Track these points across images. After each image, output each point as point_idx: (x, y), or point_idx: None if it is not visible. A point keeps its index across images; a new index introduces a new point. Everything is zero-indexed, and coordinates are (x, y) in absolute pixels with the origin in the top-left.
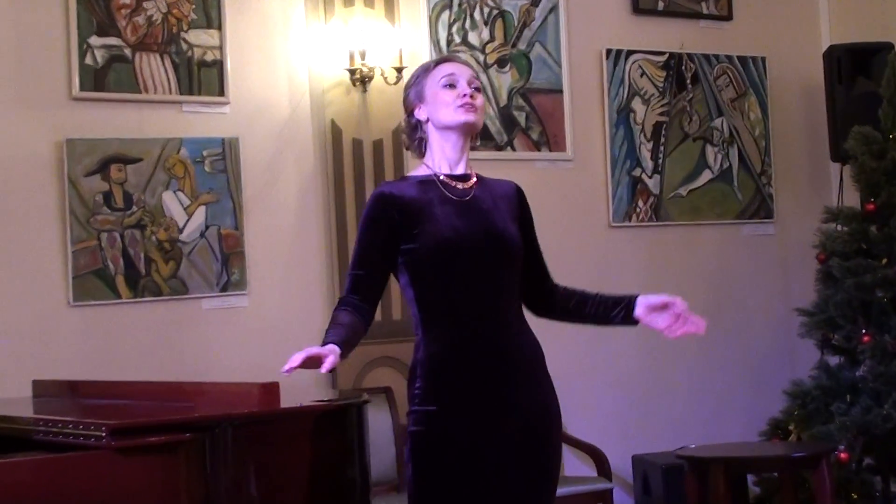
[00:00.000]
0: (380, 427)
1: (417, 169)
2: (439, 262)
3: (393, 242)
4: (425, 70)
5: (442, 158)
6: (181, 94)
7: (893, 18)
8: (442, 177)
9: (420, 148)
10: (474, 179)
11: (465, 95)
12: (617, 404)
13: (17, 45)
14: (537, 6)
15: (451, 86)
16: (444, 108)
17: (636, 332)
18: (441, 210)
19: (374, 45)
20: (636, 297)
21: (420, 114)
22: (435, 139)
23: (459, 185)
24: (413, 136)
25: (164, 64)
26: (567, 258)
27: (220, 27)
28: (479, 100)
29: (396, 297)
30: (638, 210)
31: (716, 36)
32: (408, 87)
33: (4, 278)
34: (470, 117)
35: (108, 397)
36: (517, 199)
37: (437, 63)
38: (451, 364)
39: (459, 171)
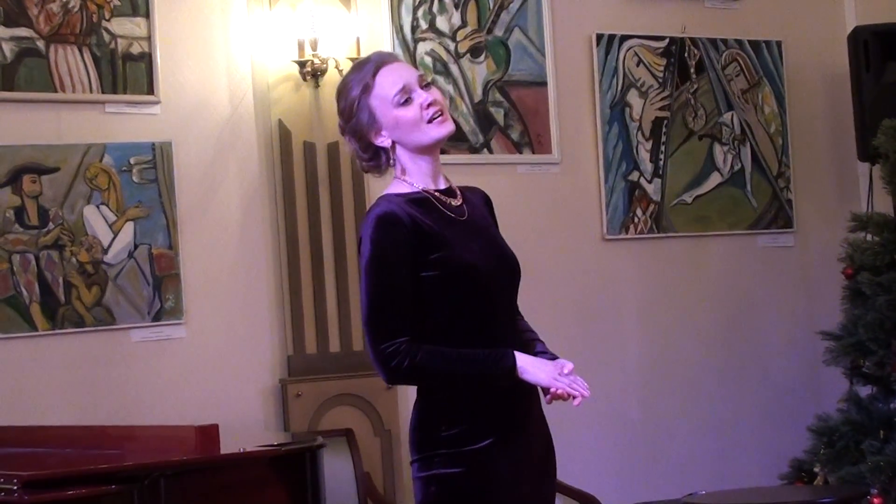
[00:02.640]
0: (339, 475)
1: (393, 186)
2: (460, 292)
3: (415, 269)
4: (365, 91)
5: (419, 174)
6: (104, 92)
7: None
8: (435, 193)
9: (386, 169)
10: (459, 193)
11: (429, 106)
12: (614, 444)
13: None
14: None
15: (408, 100)
16: (414, 130)
17: (636, 362)
18: (450, 233)
19: (327, 33)
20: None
21: (381, 141)
22: (407, 159)
23: (453, 202)
24: (376, 161)
25: (83, 58)
26: (555, 276)
27: (147, 15)
28: (440, 97)
29: (357, 325)
30: (636, 220)
31: (723, 17)
32: (349, 114)
33: None
34: (447, 129)
35: (22, 444)
36: (491, 211)
37: (375, 75)
38: (480, 403)
39: (442, 184)
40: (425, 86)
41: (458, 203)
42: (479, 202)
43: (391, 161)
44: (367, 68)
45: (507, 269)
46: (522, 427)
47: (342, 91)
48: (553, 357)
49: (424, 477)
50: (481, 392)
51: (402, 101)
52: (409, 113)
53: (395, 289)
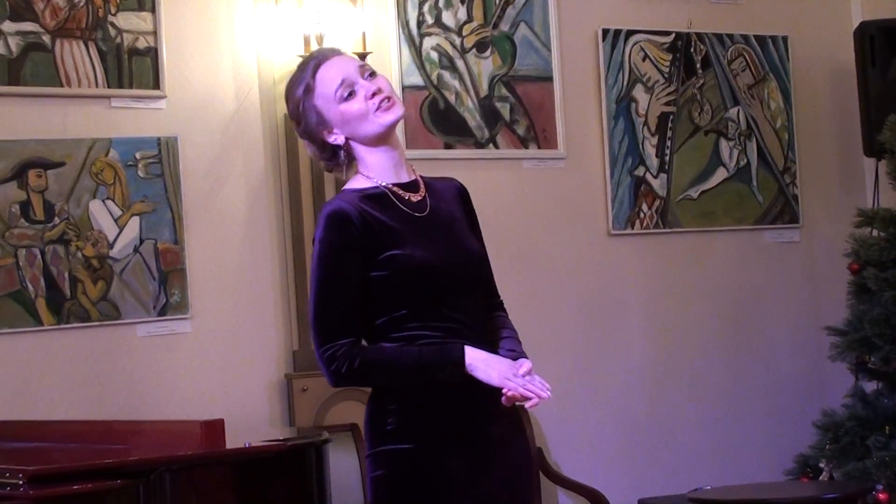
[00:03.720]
0: (344, 469)
1: (353, 181)
2: (413, 292)
3: (364, 269)
4: (308, 91)
5: (379, 168)
6: (109, 87)
7: None
8: (392, 187)
9: (348, 166)
10: (423, 187)
11: (373, 96)
12: (620, 440)
13: None
14: None
15: (351, 93)
16: (363, 122)
17: (641, 357)
18: (405, 230)
19: (332, 28)
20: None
21: (334, 139)
22: (364, 152)
23: (413, 198)
24: (336, 160)
25: (89, 53)
26: (560, 271)
27: (153, 9)
28: (384, 84)
29: None
30: (642, 215)
31: (729, 12)
32: (297, 116)
33: None
34: (395, 114)
35: (27, 440)
36: (464, 203)
37: (314, 74)
38: (431, 398)
39: (405, 177)
40: (369, 75)
41: (420, 197)
42: (450, 195)
43: (350, 157)
44: (307, 69)
45: (468, 267)
46: (482, 426)
47: (287, 95)
48: (521, 357)
49: (373, 478)
50: (431, 387)
51: (346, 95)
52: (353, 106)
53: (341, 289)
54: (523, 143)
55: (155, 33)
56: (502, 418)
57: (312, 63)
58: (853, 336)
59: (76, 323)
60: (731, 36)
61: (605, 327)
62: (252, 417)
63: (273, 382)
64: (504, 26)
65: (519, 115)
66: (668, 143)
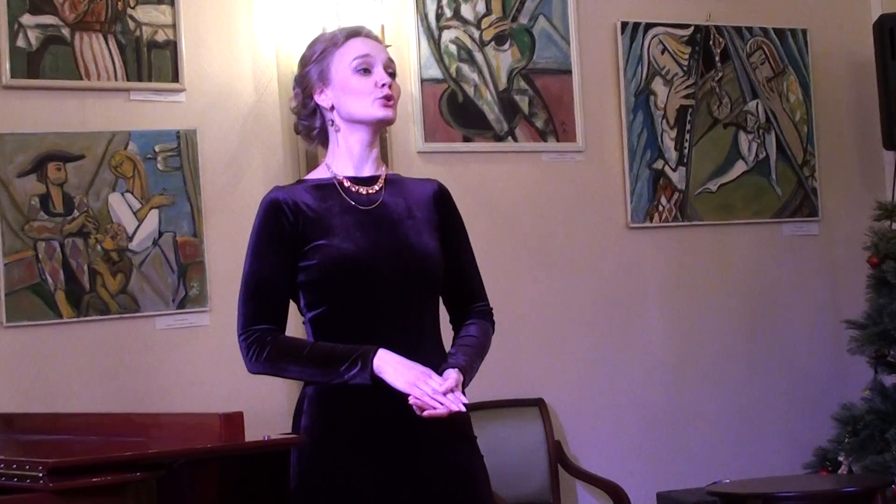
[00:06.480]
0: None
1: (316, 170)
2: (338, 284)
3: (292, 259)
4: (333, 44)
5: (346, 156)
6: (129, 80)
7: None
8: (343, 180)
9: (317, 137)
10: (383, 182)
11: (382, 86)
12: (639, 433)
13: None
14: None
15: (366, 70)
16: (357, 99)
17: (659, 351)
18: (341, 221)
19: (352, 20)
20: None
21: (322, 99)
22: (341, 129)
23: (364, 191)
24: (310, 122)
25: (108, 45)
26: (579, 265)
27: (172, 2)
28: (396, 88)
29: None
30: (660, 208)
31: (748, 5)
32: (307, 62)
33: None
34: (387, 113)
35: (46, 432)
36: (438, 204)
37: (348, 37)
38: (348, 404)
39: (366, 171)
40: (391, 73)
41: (373, 191)
42: (419, 195)
43: (323, 132)
44: (345, 31)
45: (406, 266)
46: (404, 435)
47: (313, 41)
48: (460, 367)
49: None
50: (348, 390)
51: (360, 68)
52: (360, 82)
53: (264, 278)
54: (542, 136)
55: (174, 26)
56: (442, 428)
57: (354, 29)
58: (872, 329)
59: (95, 316)
60: (750, 29)
61: (624, 320)
62: (271, 410)
63: None
64: (523, 19)
65: (537, 108)
66: (687, 136)
